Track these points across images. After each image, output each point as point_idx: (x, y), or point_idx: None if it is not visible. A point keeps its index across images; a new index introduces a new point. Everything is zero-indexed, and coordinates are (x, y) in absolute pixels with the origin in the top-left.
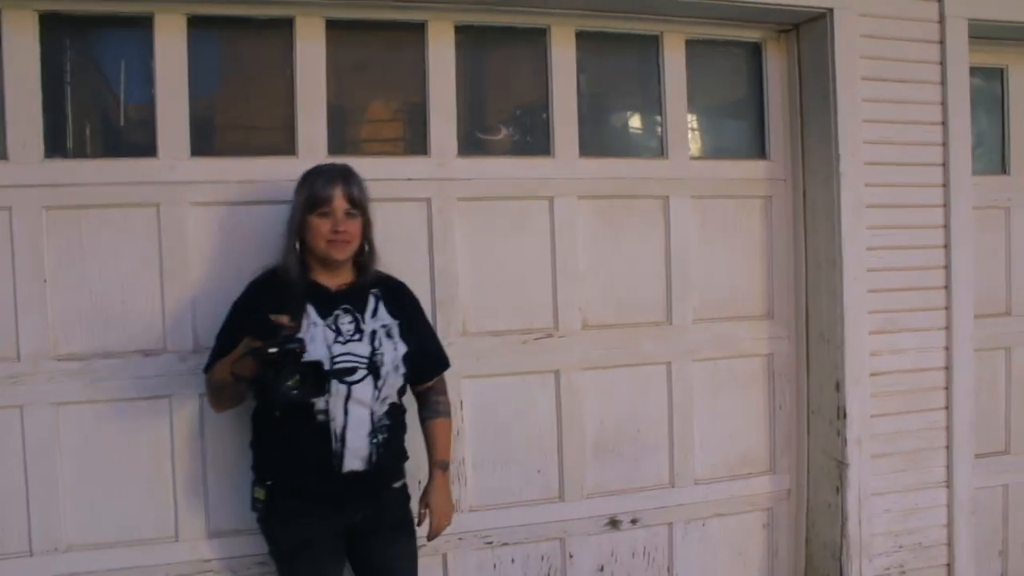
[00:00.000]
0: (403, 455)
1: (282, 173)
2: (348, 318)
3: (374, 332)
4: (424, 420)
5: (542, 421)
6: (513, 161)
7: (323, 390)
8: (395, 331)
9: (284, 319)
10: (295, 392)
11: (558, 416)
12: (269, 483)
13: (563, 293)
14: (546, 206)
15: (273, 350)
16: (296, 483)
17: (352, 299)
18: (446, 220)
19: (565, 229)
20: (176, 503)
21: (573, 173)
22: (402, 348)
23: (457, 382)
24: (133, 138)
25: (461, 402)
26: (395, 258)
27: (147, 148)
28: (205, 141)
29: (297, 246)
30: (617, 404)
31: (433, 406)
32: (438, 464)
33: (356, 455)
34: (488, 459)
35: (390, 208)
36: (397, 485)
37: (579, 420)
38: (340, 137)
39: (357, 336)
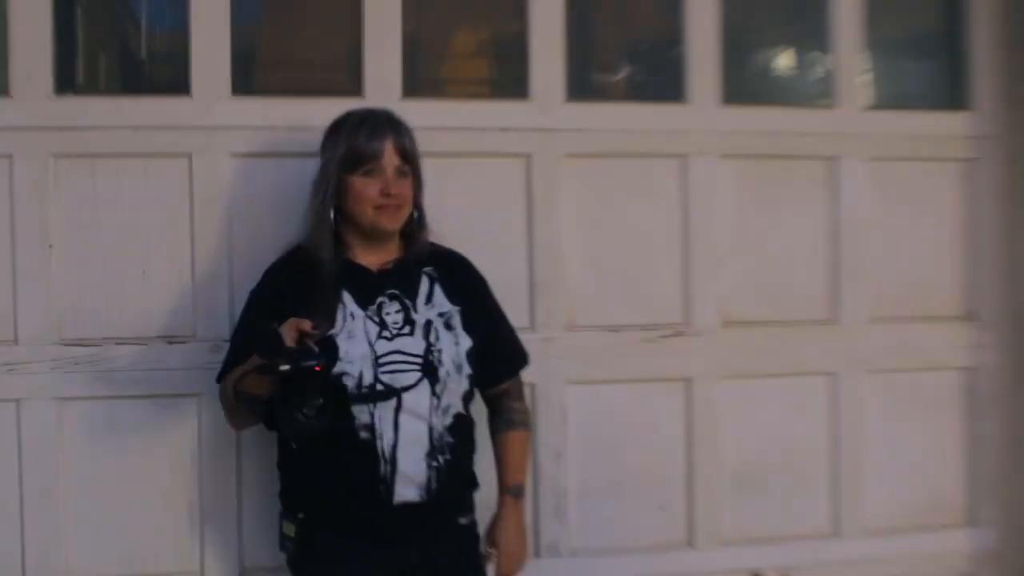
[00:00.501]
0: (472, 482)
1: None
2: (395, 306)
3: (429, 323)
4: (494, 433)
5: (667, 443)
6: (636, 108)
7: (346, 419)
8: (456, 320)
9: (306, 324)
10: (308, 423)
11: (688, 437)
12: (301, 516)
13: (698, 280)
14: (677, 167)
15: (284, 368)
16: (335, 516)
17: (400, 281)
18: (549, 182)
19: (702, 197)
20: (202, 530)
21: (713, 125)
22: (465, 342)
23: (560, 389)
24: (161, 73)
25: (564, 414)
26: (479, 229)
27: (178, 85)
28: (249, 78)
29: (331, 215)
30: (764, 425)
31: (506, 415)
32: (509, 489)
33: (410, 481)
34: (597, 489)
35: (477, 166)
36: (464, 521)
37: (715, 443)
38: (417, 75)
39: (407, 329)
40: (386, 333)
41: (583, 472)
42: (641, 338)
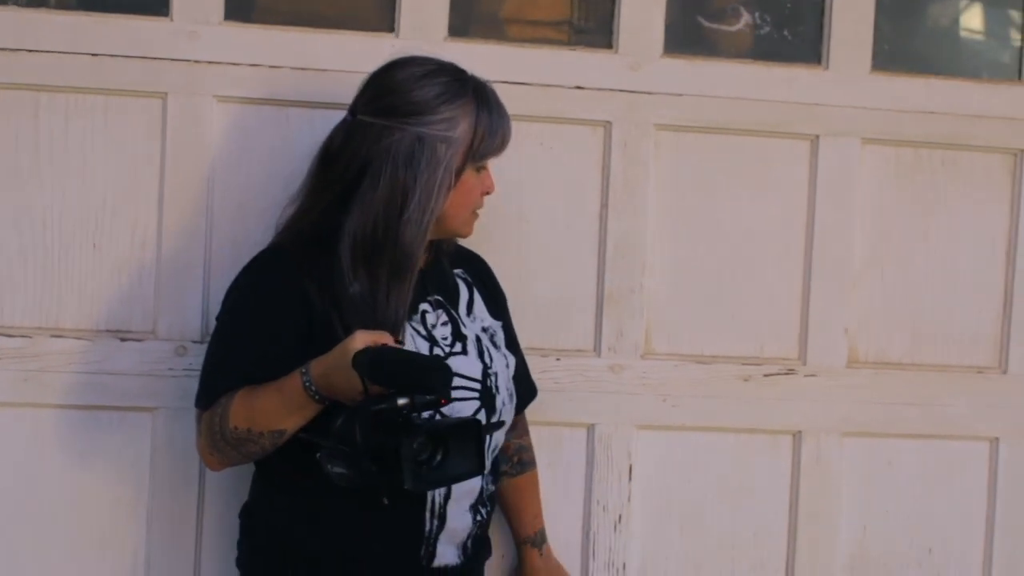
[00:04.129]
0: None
1: (370, 60)
2: (441, 316)
3: (478, 339)
4: (502, 476)
5: (764, 515)
6: (755, 70)
7: (483, 465)
8: (500, 337)
9: (385, 337)
10: (432, 474)
11: (792, 510)
12: None
13: (820, 302)
14: (805, 150)
15: (403, 401)
16: None
17: (439, 285)
18: (634, 159)
19: (834, 191)
20: None
21: (858, 98)
22: (512, 363)
23: (627, 434)
24: None
25: (630, 468)
26: (536, 219)
27: (153, 2)
28: (245, 1)
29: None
30: (896, 501)
31: (516, 454)
32: (534, 539)
33: (453, 540)
34: (665, 568)
35: (538, 134)
36: None
37: (827, 519)
38: (468, 9)
39: (459, 346)
40: (438, 350)
41: (650, 545)
42: (738, 374)
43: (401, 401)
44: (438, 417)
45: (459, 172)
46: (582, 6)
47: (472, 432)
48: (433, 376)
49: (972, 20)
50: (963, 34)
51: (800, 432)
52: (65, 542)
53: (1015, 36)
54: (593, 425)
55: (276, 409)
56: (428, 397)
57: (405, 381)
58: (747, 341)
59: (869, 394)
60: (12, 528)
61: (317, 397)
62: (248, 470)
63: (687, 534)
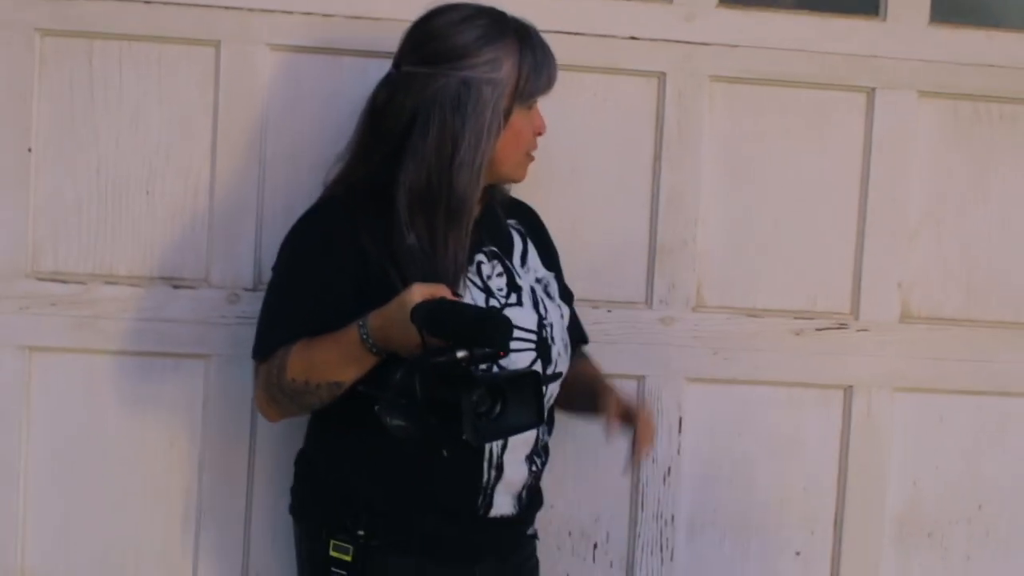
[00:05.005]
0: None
1: (423, 8)
2: (496, 267)
3: (532, 290)
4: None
5: (814, 469)
6: (812, 21)
7: (543, 416)
8: (553, 288)
9: (443, 289)
10: (491, 426)
11: (842, 464)
12: (362, 534)
13: (875, 256)
14: (860, 103)
15: (462, 354)
16: (419, 536)
17: (494, 236)
18: (688, 111)
19: (890, 145)
20: (197, 533)
21: (915, 50)
22: (566, 312)
23: (677, 386)
24: None
25: (680, 421)
26: (588, 170)
27: None
28: None
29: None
30: (945, 457)
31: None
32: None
33: (509, 490)
34: (714, 521)
35: (591, 84)
36: (530, 532)
37: (877, 474)
38: None
39: (514, 297)
40: (493, 302)
41: (698, 498)
42: (790, 328)
43: (460, 354)
44: (496, 369)
45: (507, 113)
46: None
47: (530, 383)
48: (492, 328)
49: None
50: None
51: (851, 387)
52: (119, 488)
53: None
54: (643, 377)
55: (334, 361)
56: (487, 349)
57: (463, 334)
58: (799, 295)
59: (921, 349)
60: (67, 474)
61: (375, 350)
62: (301, 419)
63: (736, 488)
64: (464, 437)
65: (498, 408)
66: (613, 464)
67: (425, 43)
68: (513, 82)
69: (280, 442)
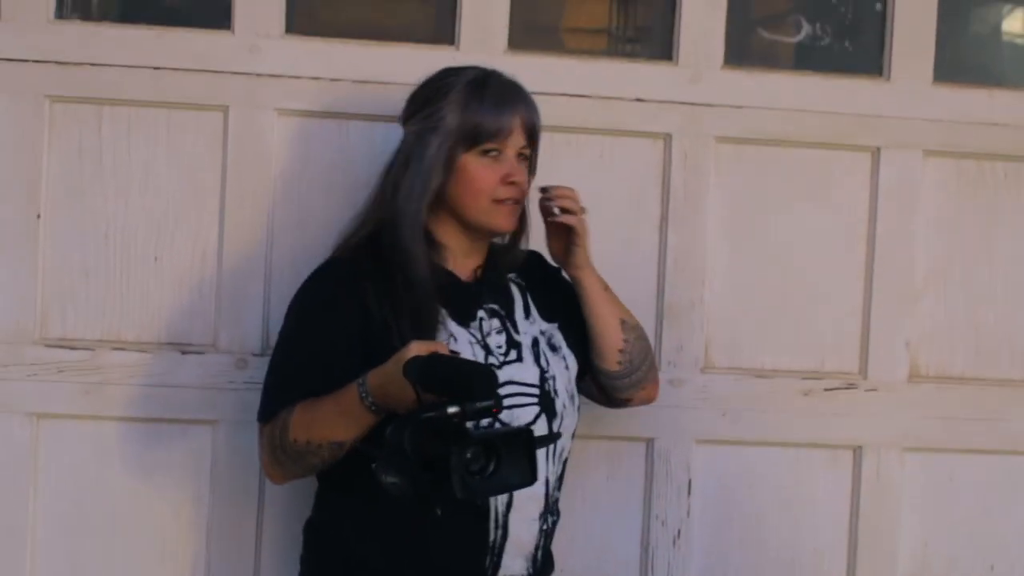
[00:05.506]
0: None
1: (430, 73)
2: (495, 324)
3: (535, 342)
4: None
5: (823, 529)
6: (816, 82)
7: (535, 475)
8: (558, 339)
9: (440, 346)
10: (482, 484)
11: (852, 526)
12: None
13: (882, 316)
14: (866, 162)
15: (454, 410)
16: None
17: (495, 294)
18: (695, 172)
19: (895, 205)
20: None
21: (920, 110)
22: (573, 364)
23: (686, 448)
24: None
25: (689, 483)
26: (596, 231)
27: (216, 16)
28: (307, 15)
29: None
30: (958, 518)
31: None
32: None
33: (520, 551)
34: None
35: (598, 145)
36: None
37: (887, 535)
38: (526, 21)
39: (513, 354)
40: (493, 359)
41: (709, 561)
42: (799, 389)
43: (452, 409)
44: (497, 425)
45: (453, 158)
46: (642, 16)
47: (523, 441)
48: (477, 381)
49: None
50: None
51: (861, 447)
52: (126, 554)
53: None
54: (652, 439)
55: (334, 420)
56: (480, 405)
57: (452, 388)
58: (807, 355)
59: (931, 409)
60: (75, 539)
61: (374, 408)
62: (308, 484)
63: (746, 550)
64: (455, 495)
65: (492, 466)
66: (622, 528)
67: (407, 105)
68: (457, 128)
69: (289, 508)
